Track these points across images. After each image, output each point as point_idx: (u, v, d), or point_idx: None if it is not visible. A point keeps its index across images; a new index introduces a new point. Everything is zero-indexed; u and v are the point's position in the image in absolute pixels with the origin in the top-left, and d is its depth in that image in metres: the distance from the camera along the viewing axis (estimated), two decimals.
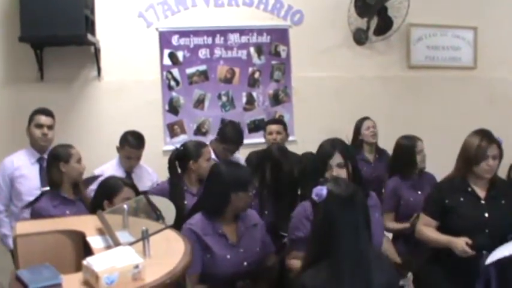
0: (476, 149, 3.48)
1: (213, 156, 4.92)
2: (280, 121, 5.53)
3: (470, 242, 3.34)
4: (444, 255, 3.52)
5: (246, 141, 5.14)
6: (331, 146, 3.36)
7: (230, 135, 4.98)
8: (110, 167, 4.69)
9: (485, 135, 3.54)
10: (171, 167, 4.32)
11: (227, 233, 3.33)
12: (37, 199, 3.99)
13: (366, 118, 5.49)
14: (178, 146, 4.47)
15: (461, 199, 3.53)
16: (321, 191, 2.58)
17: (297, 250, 3.31)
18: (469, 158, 3.51)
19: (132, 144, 4.68)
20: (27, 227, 2.98)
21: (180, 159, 4.32)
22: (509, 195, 3.64)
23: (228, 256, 3.26)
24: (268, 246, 3.53)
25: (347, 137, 3.74)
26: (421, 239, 3.64)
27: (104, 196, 3.58)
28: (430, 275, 3.66)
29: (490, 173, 3.54)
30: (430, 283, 3.68)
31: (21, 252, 2.75)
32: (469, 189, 3.56)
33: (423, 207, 3.73)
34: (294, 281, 2.64)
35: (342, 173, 3.26)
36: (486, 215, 3.45)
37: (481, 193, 3.55)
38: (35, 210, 3.81)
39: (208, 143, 5.01)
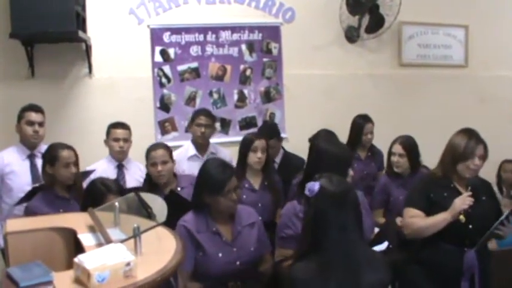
0: (465, 147, 3.50)
1: (195, 152, 4.99)
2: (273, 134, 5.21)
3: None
4: (426, 254, 3.55)
5: (236, 138, 5.12)
6: (349, 154, 3.47)
7: (199, 110, 5.17)
8: (101, 164, 4.72)
9: (473, 134, 3.57)
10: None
11: (222, 231, 3.33)
12: (28, 195, 3.97)
13: (367, 120, 5.39)
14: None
15: (445, 194, 3.55)
16: (313, 186, 2.61)
17: (286, 248, 3.31)
18: (456, 156, 3.53)
19: (115, 125, 4.77)
20: (17, 224, 2.97)
21: None
22: (488, 192, 3.71)
23: (220, 254, 3.25)
24: (264, 246, 3.48)
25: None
26: (413, 231, 3.56)
27: (88, 204, 3.37)
28: (411, 274, 3.65)
29: (474, 174, 3.57)
30: (411, 283, 3.68)
31: (12, 249, 2.73)
32: (452, 185, 3.59)
33: (408, 202, 3.69)
34: (285, 273, 2.66)
35: (351, 173, 3.39)
36: (469, 211, 3.46)
37: (463, 190, 3.57)
38: (29, 208, 3.80)
39: (190, 140, 5.13)
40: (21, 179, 4.44)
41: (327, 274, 2.41)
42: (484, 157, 3.55)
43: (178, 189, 4.18)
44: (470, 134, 3.57)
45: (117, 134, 4.74)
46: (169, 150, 4.34)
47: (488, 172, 6.15)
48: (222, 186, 3.26)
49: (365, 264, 2.48)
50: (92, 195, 3.59)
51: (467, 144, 3.50)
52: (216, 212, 3.33)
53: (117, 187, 3.74)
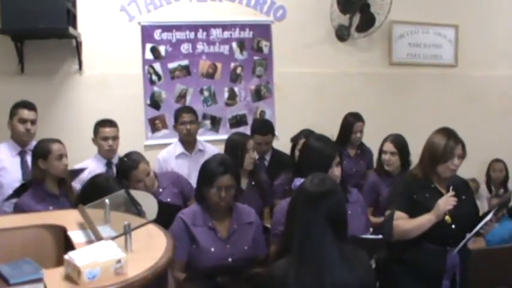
0: (444, 147, 3.48)
1: (182, 150, 5.03)
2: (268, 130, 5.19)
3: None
4: (409, 255, 3.55)
5: (227, 136, 5.09)
6: (333, 149, 3.40)
7: (180, 108, 5.26)
8: (89, 163, 4.66)
9: (451, 134, 3.55)
10: None
11: (218, 227, 3.37)
12: (17, 191, 3.95)
13: (358, 119, 5.36)
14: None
15: (427, 195, 3.55)
16: (297, 182, 2.60)
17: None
18: (436, 158, 3.51)
19: (103, 123, 4.74)
20: (7, 221, 2.96)
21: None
22: (467, 191, 3.71)
23: (213, 249, 3.28)
24: (259, 247, 3.48)
25: (332, 135, 3.76)
26: (398, 233, 3.49)
27: (88, 198, 3.21)
28: (393, 275, 3.64)
29: (453, 173, 3.57)
30: (393, 283, 3.66)
31: (1, 247, 2.72)
32: (432, 186, 3.58)
33: (392, 204, 3.64)
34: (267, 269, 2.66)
35: (339, 171, 3.34)
36: (452, 211, 3.46)
37: (443, 191, 3.57)
38: (18, 205, 3.77)
39: (177, 139, 5.14)
40: (12, 176, 4.40)
41: (300, 271, 2.41)
42: (462, 156, 3.54)
43: (160, 190, 4.16)
44: (448, 134, 3.55)
45: (106, 133, 4.70)
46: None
47: (477, 171, 6.24)
48: (211, 180, 3.32)
49: (337, 263, 2.43)
50: (96, 189, 3.47)
51: (446, 144, 3.48)
52: (212, 206, 3.37)
53: (118, 183, 3.68)
